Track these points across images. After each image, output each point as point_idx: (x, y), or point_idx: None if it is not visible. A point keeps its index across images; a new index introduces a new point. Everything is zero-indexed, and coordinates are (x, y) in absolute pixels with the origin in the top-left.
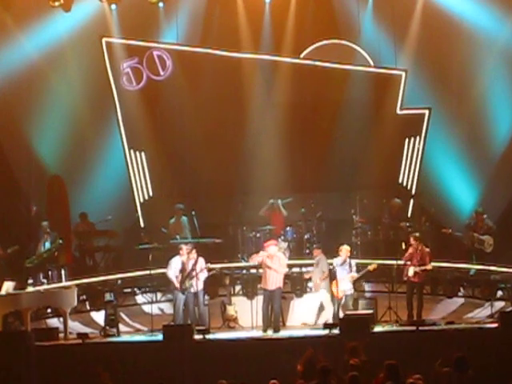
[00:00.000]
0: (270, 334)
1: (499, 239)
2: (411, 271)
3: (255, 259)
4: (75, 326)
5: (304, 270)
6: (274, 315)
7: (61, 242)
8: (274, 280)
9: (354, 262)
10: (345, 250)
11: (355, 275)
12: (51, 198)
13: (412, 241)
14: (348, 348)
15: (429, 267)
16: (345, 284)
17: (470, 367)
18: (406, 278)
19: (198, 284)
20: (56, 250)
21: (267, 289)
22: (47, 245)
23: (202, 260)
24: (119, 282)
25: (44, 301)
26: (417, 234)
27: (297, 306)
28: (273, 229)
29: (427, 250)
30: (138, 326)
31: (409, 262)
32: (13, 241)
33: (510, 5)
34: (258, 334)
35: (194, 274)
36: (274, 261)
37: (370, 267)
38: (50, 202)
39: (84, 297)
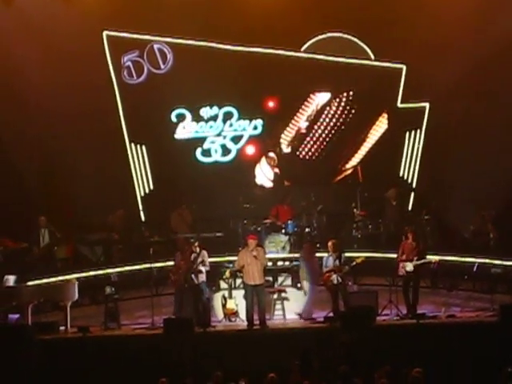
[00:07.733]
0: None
1: (499, 232)
2: (410, 266)
3: (237, 264)
4: (76, 320)
5: None
6: (261, 309)
7: (58, 235)
8: (259, 274)
9: (344, 255)
10: (329, 245)
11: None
12: (52, 190)
13: (409, 234)
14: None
15: (433, 259)
16: (334, 276)
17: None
18: (401, 274)
19: (199, 277)
20: (54, 243)
21: (254, 283)
22: (46, 239)
23: (204, 253)
24: (120, 275)
25: (45, 294)
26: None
27: (296, 300)
28: (273, 222)
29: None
30: (138, 319)
31: (403, 257)
32: (18, 235)
33: None
34: (257, 326)
35: (195, 267)
36: (257, 254)
37: (358, 260)
38: (52, 194)
39: (85, 290)
